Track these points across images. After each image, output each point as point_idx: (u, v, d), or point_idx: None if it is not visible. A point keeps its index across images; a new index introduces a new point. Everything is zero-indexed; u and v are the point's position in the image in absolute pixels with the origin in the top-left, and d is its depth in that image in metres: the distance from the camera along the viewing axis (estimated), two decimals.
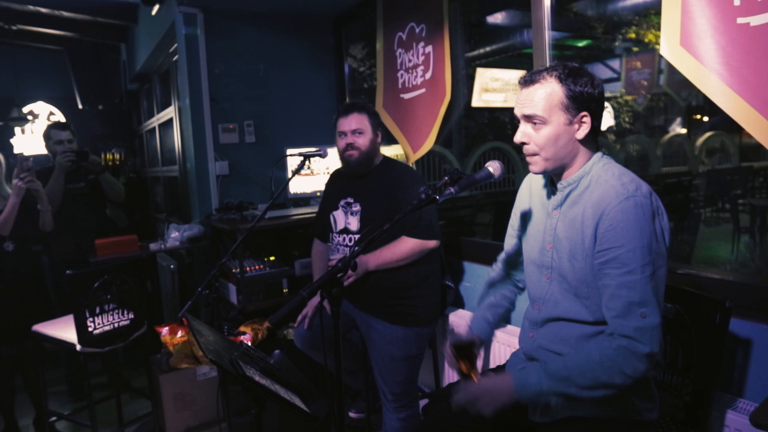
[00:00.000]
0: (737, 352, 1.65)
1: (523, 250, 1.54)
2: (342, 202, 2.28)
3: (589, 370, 1.23)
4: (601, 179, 1.31)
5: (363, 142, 2.18)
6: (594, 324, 1.33)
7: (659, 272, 1.24)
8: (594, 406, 1.34)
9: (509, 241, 1.64)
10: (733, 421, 1.56)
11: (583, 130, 1.31)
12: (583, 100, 1.29)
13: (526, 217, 1.54)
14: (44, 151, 3.40)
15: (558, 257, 1.38)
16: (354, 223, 2.23)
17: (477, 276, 2.64)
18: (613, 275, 1.24)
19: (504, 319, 1.69)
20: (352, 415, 2.64)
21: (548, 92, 1.30)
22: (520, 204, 1.57)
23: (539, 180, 1.50)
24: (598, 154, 1.36)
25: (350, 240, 2.23)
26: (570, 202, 1.36)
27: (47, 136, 3.31)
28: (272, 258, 3.07)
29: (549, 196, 1.44)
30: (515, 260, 1.65)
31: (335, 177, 2.48)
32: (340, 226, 2.27)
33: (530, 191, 1.53)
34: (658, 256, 1.24)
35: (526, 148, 1.36)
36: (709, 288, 1.76)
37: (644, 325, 1.21)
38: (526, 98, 1.34)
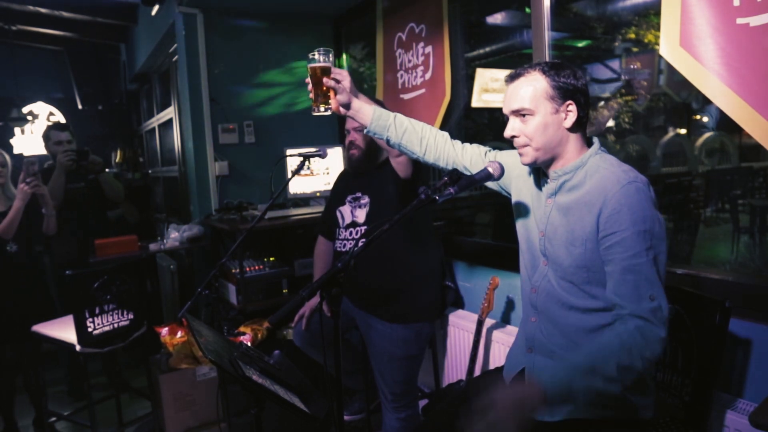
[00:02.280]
0: (737, 352, 1.65)
1: (517, 232, 1.55)
2: (349, 198, 2.29)
3: (611, 356, 1.21)
4: (600, 168, 1.34)
5: (363, 140, 2.20)
6: (592, 311, 1.34)
7: (661, 257, 1.27)
8: (592, 408, 1.34)
9: (474, 151, 1.64)
10: (732, 421, 1.56)
11: (570, 119, 1.35)
12: (567, 90, 1.34)
13: (519, 192, 1.54)
14: (44, 151, 3.41)
15: (551, 245, 1.40)
16: (361, 216, 2.23)
17: (476, 276, 2.64)
18: (618, 260, 1.26)
19: (399, 128, 1.62)
20: (346, 417, 2.64)
21: (533, 85, 1.35)
22: (515, 170, 1.55)
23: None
24: (595, 147, 1.39)
25: (356, 233, 2.23)
26: (565, 191, 1.38)
27: (47, 137, 3.32)
28: (272, 258, 3.07)
29: (540, 184, 1.46)
30: (463, 150, 1.65)
31: (343, 175, 2.49)
32: (347, 220, 2.28)
33: (520, 169, 1.53)
34: (660, 241, 1.26)
35: (516, 141, 1.40)
36: (709, 288, 1.76)
37: (656, 307, 1.23)
38: (512, 94, 1.38)
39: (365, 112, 1.62)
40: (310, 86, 1.57)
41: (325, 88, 1.56)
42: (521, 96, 1.36)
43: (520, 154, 1.41)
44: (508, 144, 1.51)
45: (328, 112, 1.60)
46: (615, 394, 1.26)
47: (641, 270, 1.24)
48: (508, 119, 1.41)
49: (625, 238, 1.25)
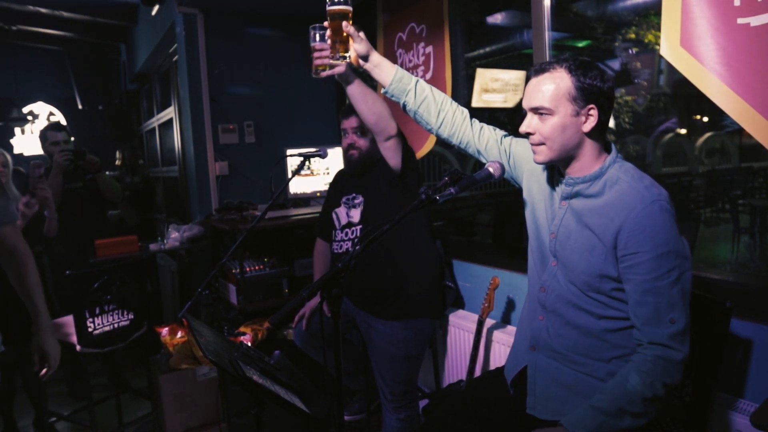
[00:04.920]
0: (737, 353, 1.65)
1: (527, 227, 1.52)
2: (344, 199, 2.30)
3: (636, 394, 1.23)
4: (621, 181, 1.31)
5: (364, 142, 2.21)
6: (600, 318, 1.33)
7: (685, 276, 1.25)
8: None
9: (490, 135, 1.58)
10: (733, 421, 1.56)
11: (589, 123, 1.30)
12: (592, 92, 1.28)
13: (531, 186, 1.51)
14: (41, 151, 3.42)
15: (563, 249, 1.37)
16: (356, 216, 2.24)
17: (477, 276, 2.64)
18: (638, 281, 1.24)
19: (419, 95, 1.56)
20: (346, 417, 2.64)
21: (557, 83, 1.30)
22: (528, 163, 1.51)
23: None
24: (613, 155, 1.35)
25: (353, 233, 2.23)
26: (582, 197, 1.35)
27: (43, 137, 3.33)
28: (272, 258, 3.07)
29: (554, 182, 1.43)
30: (480, 132, 1.59)
31: (338, 176, 2.50)
32: (343, 221, 2.28)
33: (533, 164, 1.48)
34: (684, 260, 1.24)
35: (532, 138, 1.35)
36: (709, 288, 1.76)
37: (675, 331, 1.23)
38: (533, 89, 1.33)
39: (385, 69, 1.55)
40: (328, 32, 1.51)
41: (345, 34, 1.49)
42: (542, 93, 1.30)
43: (534, 152, 1.37)
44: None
45: (345, 60, 1.53)
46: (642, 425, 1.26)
47: (662, 292, 1.22)
48: (526, 113, 1.37)
49: (647, 259, 1.22)
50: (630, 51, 3.27)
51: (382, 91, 1.59)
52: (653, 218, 1.23)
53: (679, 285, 1.24)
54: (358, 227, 2.22)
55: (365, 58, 1.54)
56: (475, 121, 1.62)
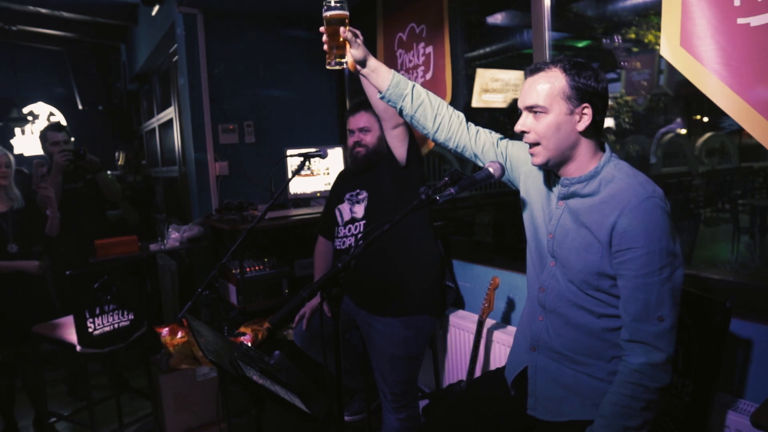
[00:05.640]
0: (737, 353, 1.65)
1: (525, 228, 1.53)
2: (347, 195, 2.30)
3: (633, 407, 1.24)
4: (616, 178, 1.31)
5: (370, 139, 2.22)
6: (600, 317, 1.34)
7: (677, 273, 1.25)
8: (595, 409, 1.33)
9: (486, 138, 1.59)
10: (733, 421, 1.56)
11: (584, 122, 1.31)
12: (586, 92, 1.29)
13: (528, 188, 1.51)
14: (41, 152, 3.42)
15: (561, 248, 1.38)
16: (360, 211, 2.24)
17: (477, 276, 2.64)
18: (630, 277, 1.25)
19: (416, 100, 1.57)
20: (346, 417, 2.64)
21: (551, 82, 1.31)
22: (525, 165, 1.52)
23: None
24: (608, 154, 1.36)
25: (356, 228, 2.24)
26: (578, 197, 1.36)
27: (43, 137, 3.34)
28: (272, 259, 3.07)
29: (551, 183, 1.44)
30: (477, 135, 1.59)
31: (342, 175, 2.50)
32: (347, 217, 2.28)
33: (531, 164, 1.48)
34: (676, 258, 1.25)
35: (526, 137, 1.36)
36: (709, 288, 1.76)
37: (661, 330, 1.23)
38: (529, 88, 1.34)
39: (382, 74, 1.55)
40: (324, 37, 1.50)
41: (341, 39, 1.49)
42: (537, 92, 1.32)
43: (531, 155, 1.37)
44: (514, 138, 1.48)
45: (342, 66, 1.53)
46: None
47: (652, 289, 1.23)
48: (521, 113, 1.37)
49: (639, 256, 1.23)
50: (616, 38, 3.28)
51: (379, 96, 1.60)
52: (648, 214, 1.24)
53: (670, 283, 1.24)
54: (362, 222, 2.22)
55: (362, 63, 1.54)
56: (471, 125, 1.62)
